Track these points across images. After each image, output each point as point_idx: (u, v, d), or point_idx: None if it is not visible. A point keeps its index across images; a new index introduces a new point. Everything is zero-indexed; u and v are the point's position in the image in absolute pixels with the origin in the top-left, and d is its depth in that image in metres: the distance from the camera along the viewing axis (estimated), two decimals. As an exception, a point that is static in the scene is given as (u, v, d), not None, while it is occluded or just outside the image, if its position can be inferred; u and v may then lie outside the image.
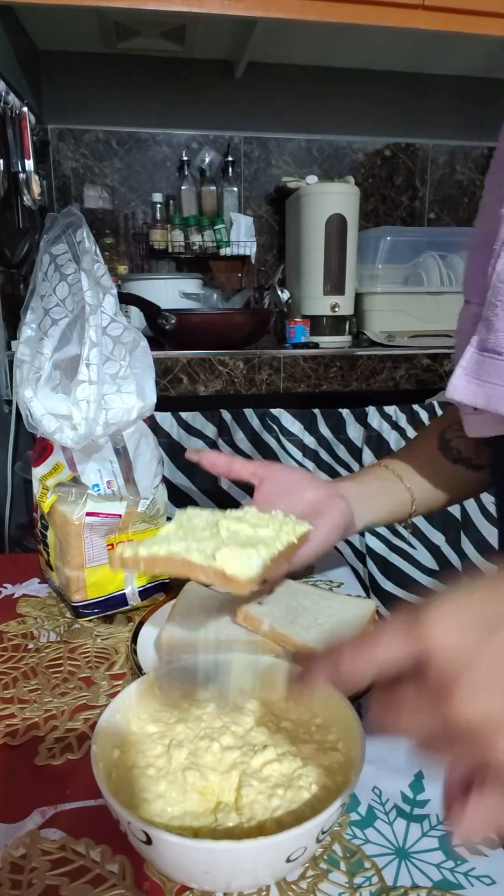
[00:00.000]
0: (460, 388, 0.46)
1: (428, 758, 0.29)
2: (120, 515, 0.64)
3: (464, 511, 1.67)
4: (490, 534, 1.69)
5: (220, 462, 0.57)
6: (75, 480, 0.65)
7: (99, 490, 0.65)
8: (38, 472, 0.70)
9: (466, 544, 1.70)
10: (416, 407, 1.63)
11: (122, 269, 2.06)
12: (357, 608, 0.62)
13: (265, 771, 0.39)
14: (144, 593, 0.70)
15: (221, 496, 1.56)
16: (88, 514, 0.63)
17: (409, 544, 1.64)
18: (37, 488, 0.70)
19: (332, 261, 1.71)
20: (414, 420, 1.63)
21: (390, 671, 0.28)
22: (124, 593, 0.68)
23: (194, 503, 1.55)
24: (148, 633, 0.61)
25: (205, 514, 0.52)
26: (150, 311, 1.50)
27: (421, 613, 0.27)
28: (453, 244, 1.86)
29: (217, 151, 2.05)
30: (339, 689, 0.35)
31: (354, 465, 1.64)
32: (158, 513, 0.69)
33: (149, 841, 0.32)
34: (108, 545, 0.66)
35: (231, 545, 0.43)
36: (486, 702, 0.25)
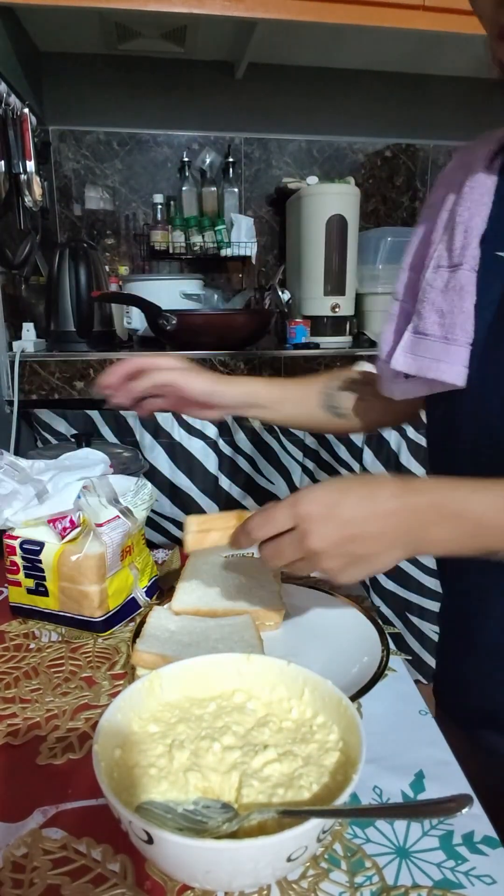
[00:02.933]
0: (400, 360, 0.60)
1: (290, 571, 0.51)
2: (118, 517, 0.65)
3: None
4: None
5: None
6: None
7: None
8: None
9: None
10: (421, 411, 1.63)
11: (123, 269, 2.06)
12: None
13: (266, 771, 0.39)
14: (149, 592, 0.70)
15: (221, 496, 1.56)
16: (98, 524, 0.63)
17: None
18: None
19: (332, 261, 1.71)
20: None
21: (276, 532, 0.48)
22: (134, 597, 0.68)
23: (194, 503, 1.55)
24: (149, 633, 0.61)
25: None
26: (151, 311, 1.50)
27: (297, 494, 0.48)
28: (454, 245, 1.86)
29: (218, 152, 2.05)
30: (243, 545, 0.51)
31: (355, 466, 1.65)
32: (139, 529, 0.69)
33: (150, 840, 0.32)
34: (123, 550, 0.66)
35: None
36: (322, 540, 0.46)
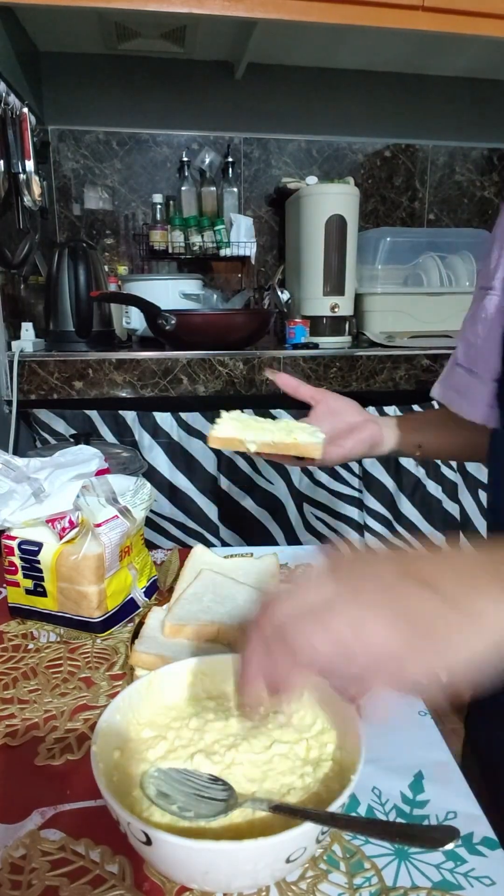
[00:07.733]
0: (436, 388, 0.59)
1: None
2: (117, 517, 0.65)
3: (462, 510, 1.67)
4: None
5: (290, 383, 0.72)
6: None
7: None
8: None
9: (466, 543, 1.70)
10: (416, 407, 1.63)
11: (123, 269, 2.06)
12: (263, 564, 0.72)
13: (265, 773, 0.39)
14: (148, 592, 0.70)
15: (221, 496, 1.56)
16: (97, 525, 0.63)
17: (408, 543, 1.64)
18: None
19: (331, 261, 1.71)
20: (414, 421, 1.62)
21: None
22: (133, 597, 0.68)
23: (193, 503, 1.55)
24: (147, 633, 0.61)
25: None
26: (151, 311, 1.50)
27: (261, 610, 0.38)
28: (453, 245, 1.86)
29: (217, 152, 2.05)
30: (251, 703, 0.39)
31: (354, 466, 1.64)
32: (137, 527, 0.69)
33: (149, 841, 0.32)
34: (122, 550, 0.66)
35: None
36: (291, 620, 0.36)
